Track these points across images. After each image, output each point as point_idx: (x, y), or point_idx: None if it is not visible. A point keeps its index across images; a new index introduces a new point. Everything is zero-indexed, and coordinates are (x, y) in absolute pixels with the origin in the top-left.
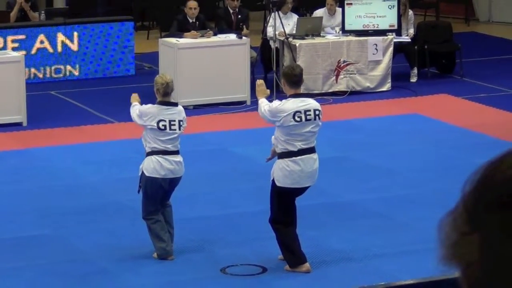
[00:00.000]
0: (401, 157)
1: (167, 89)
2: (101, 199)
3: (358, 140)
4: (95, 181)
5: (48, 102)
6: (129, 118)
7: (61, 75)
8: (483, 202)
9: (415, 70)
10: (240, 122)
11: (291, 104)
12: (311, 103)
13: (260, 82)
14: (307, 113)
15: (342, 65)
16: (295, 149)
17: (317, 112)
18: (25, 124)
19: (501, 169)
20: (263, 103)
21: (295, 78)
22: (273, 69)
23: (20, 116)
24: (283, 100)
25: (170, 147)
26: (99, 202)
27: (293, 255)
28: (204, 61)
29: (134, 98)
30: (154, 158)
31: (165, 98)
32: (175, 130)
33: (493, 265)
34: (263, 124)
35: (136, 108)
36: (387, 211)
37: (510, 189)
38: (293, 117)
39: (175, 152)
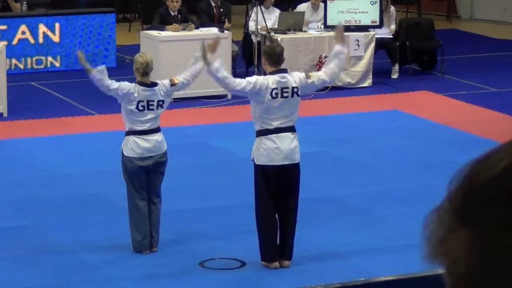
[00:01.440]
0: (381, 153)
1: (147, 69)
2: (81, 191)
3: (339, 136)
4: (75, 173)
5: (29, 93)
6: (109, 110)
7: (42, 66)
8: (470, 198)
9: (397, 67)
10: (221, 116)
11: (270, 80)
12: (289, 80)
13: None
14: (284, 90)
15: (323, 60)
16: (271, 127)
17: (295, 90)
18: (5, 115)
19: (488, 166)
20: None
21: (275, 57)
22: (254, 64)
23: (0, 106)
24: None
25: (148, 126)
26: (79, 194)
27: (263, 248)
28: (185, 54)
29: (83, 58)
30: (131, 138)
31: (144, 77)
32: (153, 110)
33: (478, 261)
34: (243, 118)
35: (113, 82)
36: (367, 207)
37: (497, 185)
38: (270, 94)
39: (154, 131)
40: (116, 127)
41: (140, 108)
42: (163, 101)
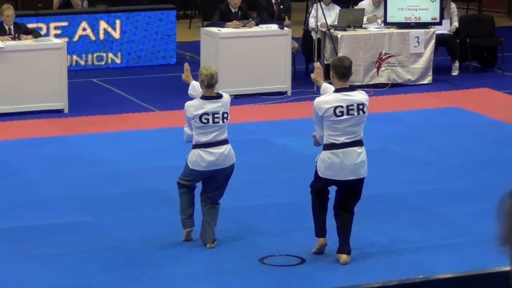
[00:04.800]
0: (441, 150)
1: (212, 81)
2: (141, 187)
3: (398, 133)
4: (136, 169)
5: (90, 90)
6: (170, 107)
7: (103, 62)
8: None
9: (457, 64)
10: (281, 113)
11: (334, 97)
12: (355, 97)
13: (318, 65)
14: (350, 107)
15: (383, 57)
16: (338, 143)
17: (360, 106)
18: (66, 111)
19: None
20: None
21: (343, 70)
22: (314, 61)
23: (61, 103)
24: (327, 94)
25: (212, 139)
26: (139, 190)
27: (315, 226)
28: (245, 51)
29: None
30: (197, 151)
31: (209, 89)
32: (218, 122)
33: None
34: (303, 115)
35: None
36: (427, 204)
37: None
38: (334, 112)
39: (219, 143)
40: (176, 123)
41: (204, 120)
42: (227, 113)
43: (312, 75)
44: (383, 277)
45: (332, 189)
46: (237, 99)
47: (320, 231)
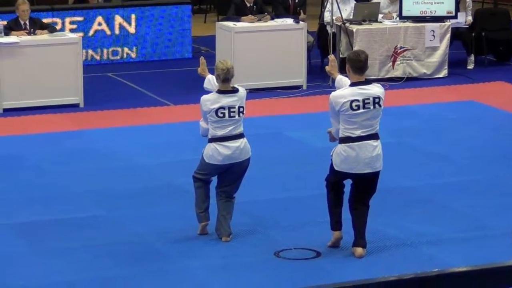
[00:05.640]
0: (457, 144)
1: (228, 75)
2: (156, 182)
3: (414, 126)
4: (151, 163)
5: (105, 84)
6: (185, 101)
7: (118, 57)
8: None
9: (472, 57)
10: (297, 107)
11: (350, 91)
12: (371, 91)
13: (332, 57)
14: (366, 101)
15: (399, 51)
16: (354, 136)
17: (376, 100)
18: (82, 105)
19: None
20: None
21: (359, 64)
22: (329, 55)
23: (77, 97)
24: (344, 88)
25: (228, 132)
26: (154, 184)
27: (331, 219)
28: (260, 45)
29: (204, 63)
30: (212, 145)
31: (225, 83)
32: (234, 117)
33: None
34: (319, 109)
35: (204, 114)
36: (442, 198)
37: None
38: (350, 105)
39: (235, 137)
40: (191, 117)
41: (220, 115)
42: (243, 107)
43: (327, 68)
44: (398, 270)
45: (348, 183)
46: (253, 93)
47: (336, 224)
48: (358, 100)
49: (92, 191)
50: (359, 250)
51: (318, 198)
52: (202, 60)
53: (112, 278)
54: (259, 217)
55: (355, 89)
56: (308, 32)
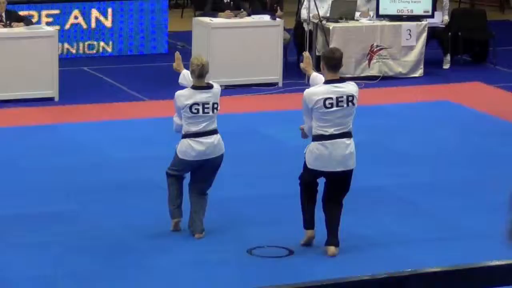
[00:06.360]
0: (431, 143)
1: (202, 71)
2: (130, 177)
3: (388, 126)
4: (124, 158)
5: (81, 78)
6: (160, 97)
7: (94, 51)
8: None
9: (448, 57)
10: (272, 104)
11: (324, 89)
12: (345, 89)
13: (307, 54)
14: (339, 99)
15: (375, 49)
16: (327, 134)
17: (350, 98)
18: (57, 99)
19: None
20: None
21: (334, 62)
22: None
23: (52, 91)
24: (317, 85)
25: (202, 129)
26: (127, 179)
27: (304, 217)
28: (237, 42)
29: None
30: (186, 141)
31: (200, 79)
32: (208, 113)
33: None
34: (294, 106)
35: (177, 110)
36: (414, 198)
37: None
38: (324, 103)
39: (209, 133)
40: (166, 113)
41: (194, 111)
42: (217, 103)
43: (301, 65)
44: (371, 269)
45: (321, 182)
46: (229, 89)
47: (308, 223)
48: (331, 98)
49: (64, 185)
50: (331, 249)
51: (291, 196)
52: (177, 55)
53: (84, 273)
54: (232, 214)
55: (329, 86)
56: (285, 29)
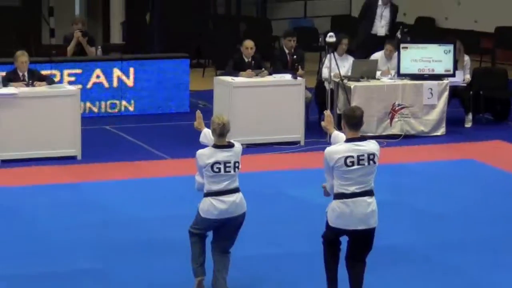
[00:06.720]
0: (454, 202)
1: (223, 130)
2: (153, 235)
3: (410, 184)
4: (147, 217)
5: (103, 137)
6: (182, 155)
7: (116, 110)
8: None
9: (470, 116)
10: (294, 163)
11: (345, 147)
12: (366, 147)
13: (328, 113)
14: (360, 157)
15: (396, 108)
16: (348, 192)
17: (371, 157)
18: (79, 158)
19: None
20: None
21: (354, 120)
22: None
23: (74, 149)
24: (338, 144)
25: (224, 187)
26: (151, 238)
27: (327, 277)
28: (258, 100)
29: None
30: (208, 200)
31: (221, 138)
32: (229, 172)
33: None
34: (316, 165)
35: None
36: (439, 256)
37: None
38: (345, 161)
39: (230, 191)
40: (188, 171)
41: (215, 169)
42: (239, 162)
43: (323, 123)
44: None
45: (344, 240)
46: (250, 148)
47: (332, 282)
48: (352, 156)
49: (88, 244)
50: None
51: (314, 255)
52: (198, 114)
53: None
54: (256, 273)
55: (350, 145)
56: (306, 88)
